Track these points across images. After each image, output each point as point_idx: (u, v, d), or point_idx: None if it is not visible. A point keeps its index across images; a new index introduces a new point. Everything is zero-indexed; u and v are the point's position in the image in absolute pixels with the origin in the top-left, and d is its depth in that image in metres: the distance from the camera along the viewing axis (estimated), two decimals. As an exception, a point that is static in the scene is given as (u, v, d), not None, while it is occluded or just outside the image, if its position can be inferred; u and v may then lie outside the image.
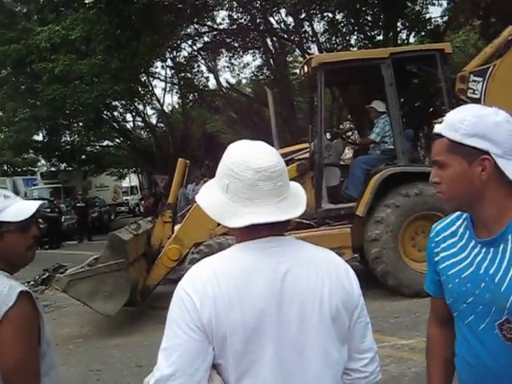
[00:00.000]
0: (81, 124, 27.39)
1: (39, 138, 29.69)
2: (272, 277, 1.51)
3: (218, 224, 7.81)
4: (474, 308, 1.68)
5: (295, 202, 1.61)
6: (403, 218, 7.87)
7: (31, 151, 33.27)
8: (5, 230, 2.03)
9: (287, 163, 8.10)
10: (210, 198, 1.61)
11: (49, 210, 21.71)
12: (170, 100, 51.85)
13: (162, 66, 26.24)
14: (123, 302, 7.72)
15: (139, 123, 32.31)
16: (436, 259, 1.83)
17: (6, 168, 43.95)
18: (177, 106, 31.19)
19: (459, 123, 1.61)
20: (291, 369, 1.51)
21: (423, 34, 19.40)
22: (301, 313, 1.52)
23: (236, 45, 23.66)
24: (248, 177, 1.53)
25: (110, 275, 7.68)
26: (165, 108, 29.44)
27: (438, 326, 1.94)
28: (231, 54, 24.97)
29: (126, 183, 43.02)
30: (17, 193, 29.89)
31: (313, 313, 1.53)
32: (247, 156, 1.56)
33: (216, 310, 1.46)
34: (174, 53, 24.90)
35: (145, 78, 25.88)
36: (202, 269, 1.55)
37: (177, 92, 28.92)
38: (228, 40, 22.99)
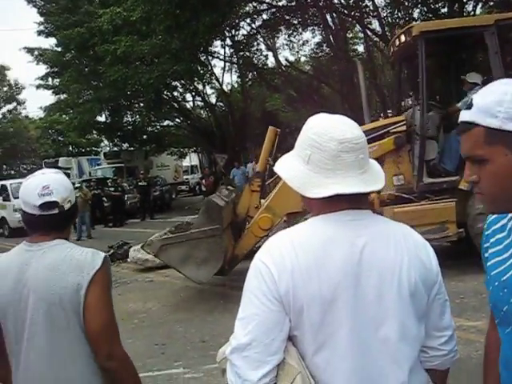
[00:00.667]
0: (142, 104, 27.89)
1: (102, 119, 30.42)
2: (350, 250, 1.49)
3: None
4: (510, 319, 1.46)
5: (375, 175, 1.60)
6: None
7: (94, 132, 34.12)
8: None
9: (383, 136, 8.08)
10: (291, 168, 1.60)
11: (112, 189, 22.26)
12: (230, 79, 51.96)
13: (222, 45, 26.28)
14: (216, 269, 7.59)
15: (199, 103, 32.56)
16: (486, 255, 1.60)
17: (71, 148, 45.35)
18: (236, 85, 31.17)
19: (497, 106, 1.33)
20: (368, 342, 1.49)
21: (491, 3, 18.58)
22: (379, 287, 1.49)
23: (295, 22, 23.41)
24: (331, 147, 1.51)
25: (204, 241, 7.52)
26: (224, 87, 29.51)
27: (495, 329, 1.62)
28: (290, 32, 24.74)
29: (186, 162, 43.50)
30: (82, 172, 30.89)
31: (391, 287, 1.50)
32: (331, 127, 1.54)
33: (294, 282, 1.45)
34: (233, 31, 24.88)
35: (204, 57, 26.00)
36: (281, 240, 1.54)
37: (236, 71, 28.96)
38: (287, 17, 22.77)
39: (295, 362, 1.47)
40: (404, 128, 8.34)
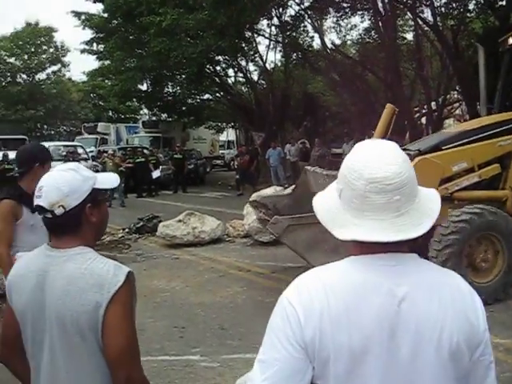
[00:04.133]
0: (183, 76, 27.83)
1: (143, 87, 30.49)
2: (387, 300, 1.36)
3: (439, 184, 7.07)
4: None
5: (418, 217, 1.40)
6: None
7: (135, 100, 34.35)
8: (101, 199, 2.04)
9: (510, 131, 7.46)
10: (325, 200, 1.49)
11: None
12: (273, 58, 51.49)
13: (268, 24, 25.98)
14: None
15: (240, 79, 32.40)
16: None
17: (110, 114, 45.80)
18: (279, 64, 30.88)
19: None
20: None
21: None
22: (415, 344, 1.35)
23: (345, 5, 22.95)
24: (359, 186, 1.37)
25: None
26: (267, 65, 29.24)
27: None
28: (339, 15, 24.27)
29: (223, 137, 43.55)
30: (119, 139, 31.20)
31: (429, 346, 1.35)
32: (363, 162, 1.39)
33: (321, 328, 1.34)
34: (280, 10, 24.56)
35: (249, 34, 25.76)
36: (310, 280, 1.42)
37: (280, 50, 28.66)
38: (337, 0, 22.33)
39: None
40: None
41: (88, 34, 28.32)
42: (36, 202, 1.91)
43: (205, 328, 6.51)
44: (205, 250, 10.55)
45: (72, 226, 1.94)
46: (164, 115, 33.56)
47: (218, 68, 29.02)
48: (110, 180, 2.08)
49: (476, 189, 7.38)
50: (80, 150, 23.37)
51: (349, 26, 27.18)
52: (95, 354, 1.84)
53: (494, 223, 6.66)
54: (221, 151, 39.68)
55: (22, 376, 2.12)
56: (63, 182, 1.91)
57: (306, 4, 23.40)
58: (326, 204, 1.47)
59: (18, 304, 1.95)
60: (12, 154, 22.79)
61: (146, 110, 40.22)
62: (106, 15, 26.79)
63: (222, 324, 6.58)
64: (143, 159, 22.23)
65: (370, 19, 23.79)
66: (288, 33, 25.43)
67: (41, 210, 1.90)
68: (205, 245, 10.95)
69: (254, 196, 8.62)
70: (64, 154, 21.47)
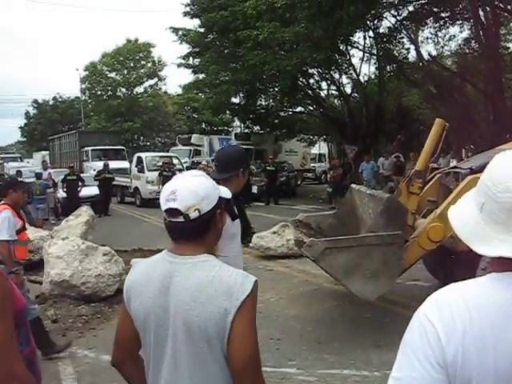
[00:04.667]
0: (276, 89, 28.05)
1: (236, 100, 31.03)
2: None
3: None
4: None
5: None
6: None
7: (228, 112, 34.95)
8: (222, 207, 2.05)
9: None
10: (463, 214, 1.40)
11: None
12: (367, 70, 50.90)
13: (364, 36, 25.72)
14: (389, 286, 6.40)
15: (333, 92, 32.20)
16: None
17: (203, 126, 46.93)
18: (373, 77, 30.46)
19: None
20: None
21: None
22: None
23: (443, 15, 22.32)
24: (506, 200, 1.28)
25: (379, 249, 6.21)
26: (360, 78, 28.93)
27: None
28: (437, 25, 23.63)
29: (314, 150, 43.40)
30: (212, 150, 31.94)
31: None
32: (509, 174, 1.30)
33: (464, 348, 1.25)
34: (375, 22, 24.25)
35: (343, 46, 25.61)
36: (451, 297, 1.33)
37: (375, 62, 28.24)
38: (435, 9, 21.75)
39: None
40: None
41: (184, 48, 29.25)
42: (168, 205, 1.89)
43: (301, 341, 6.46)
44: (299, 263, 10.47)
45: (201, 231, 1.94)
46: (256, 127, 33.91)
47: (311, 81, 29.04)
48: (226, 191, 2.17)
49: None
50: (175, 161, 24.02)
51: (447, 36, 26.39)
52: (219, 362, 1.84)
53: None
54: (312, 164, 39.56)
55: (133, 381, 2.14)
56: (199, 187, 1.92)
57: (403, 15, 22.99)
58: (465, 218, 1.38)
59: (139, 309, 1.96)
60: (112, 164, 23.92)
61: (238, 122, 40.86)
62: (202, 30, 27.54)
63: (318, 338, 6.50)
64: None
65: (469, 29, 22.99)
66: (383, 45, 25.06)
67: (173, 213, 1.89)
68: (298, 257, 10.88)
69: (300, 215, 8.48)
70: (160, 164, 22.15)
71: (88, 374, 5.74)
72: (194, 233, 1.93)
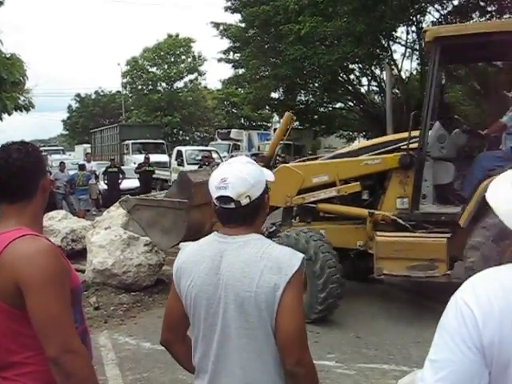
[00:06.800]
0: (316, 85, 27.88)
1: (276, 95, 30.90)
2: None
3: (298, 193, 7.48)
4: None
5: None
6: None
7: (267, 107, 34.89)
8: (268, 190, 2.10)
9: (392, 152, 7.18)
10: (502, 191, 1.39)
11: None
12: (409, 66, 50.20)
13: (407, 31, 25.34)
14: (177, 241, 7.60)
15: (374, 88, 31.83)
16: None
17: (243, 121, 47.07)
18: (415, 73, 30.00)
19: None
20: None
21: None
22: None
23: (489, 9, 21.83)
24: None
25: (170, 211, 7.72)
26: (402, 74, 28.52)
27: None
28: (483, 20, 23.12)
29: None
30: (251, 146, 31.92)
31: None
32: None
33: (501, 332, 1.25)
34: (418, 16, 23.87)
35: (385, 41, 25.30)
36: (488, 281, 1.34)
37: (417, 58, 27.80)
38: (482, 3, 21.29)
39: None
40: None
41: (225, 43, 29.29)
42: (220, 192, 1.96)
43: (339, 335, 6.48)
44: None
45: (251, 215, 2.01)
46: (296, 123, 33.81)
47: (351, 76, 28.78)
48: (270, 174, 2.15)
49: (344, 204, 7.47)
50: (214, 155, 24.15)
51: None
52: (268, 336, 1.89)
53: None
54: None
55: (182, 360, 2.21)
56: (248, 174, 1.98)
57: (448, 9, 22.57)
58: (503, 198, 1.37)
59: (190, 289, 2.01)
60: (152, 157, 24.16)
61: (277, 118, 40.82)
62: (243, 25, 27.55)
63: (357, 332, 6.51)
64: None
65: (517, 23, 22.44)
66: (426, 40, 24.63)
67: (225, 200, 1.96)
68: (337, 252, 10.84)
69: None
70: (199, 158, 22.29)
71: (129, 361, 5.85)
72: (244, 217, 1.99)
